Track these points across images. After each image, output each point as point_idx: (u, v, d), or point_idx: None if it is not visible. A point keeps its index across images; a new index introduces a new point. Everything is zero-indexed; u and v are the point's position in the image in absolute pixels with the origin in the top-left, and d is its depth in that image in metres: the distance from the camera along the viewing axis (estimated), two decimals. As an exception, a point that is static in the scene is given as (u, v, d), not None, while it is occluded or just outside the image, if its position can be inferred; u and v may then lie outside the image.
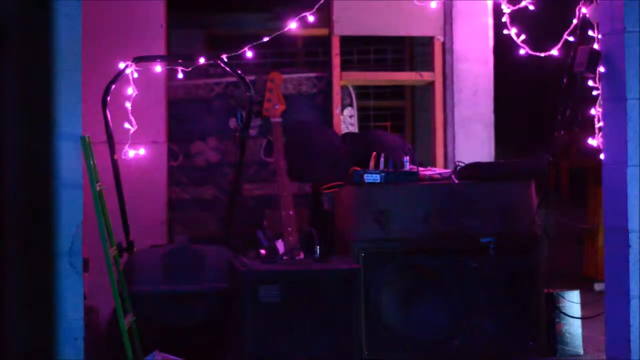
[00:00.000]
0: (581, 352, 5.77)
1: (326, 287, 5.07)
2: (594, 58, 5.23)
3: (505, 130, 8.04)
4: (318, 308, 5.06)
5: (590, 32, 5.41)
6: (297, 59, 9.13)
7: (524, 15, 5.90)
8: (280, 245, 5.66)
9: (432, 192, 5.55)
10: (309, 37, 8.10)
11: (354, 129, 7.92)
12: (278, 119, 6.22)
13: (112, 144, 5.71)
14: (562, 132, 5.68)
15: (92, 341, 5.60)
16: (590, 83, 5.33)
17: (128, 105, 5.72)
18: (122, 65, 5.71)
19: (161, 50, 7.01)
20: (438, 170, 5.95)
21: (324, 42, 7.81)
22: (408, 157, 5.61)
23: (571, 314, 5.74)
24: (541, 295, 5.57)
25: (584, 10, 5.48)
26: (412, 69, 8.94)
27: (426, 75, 7.67)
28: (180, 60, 5.92)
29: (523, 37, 5.88)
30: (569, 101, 5.58)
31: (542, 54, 5.84)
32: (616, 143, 5.12)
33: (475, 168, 5.69)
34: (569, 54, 5.48)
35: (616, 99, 5.11)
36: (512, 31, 5.91)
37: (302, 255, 5.42)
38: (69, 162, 4.57)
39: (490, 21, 7.43)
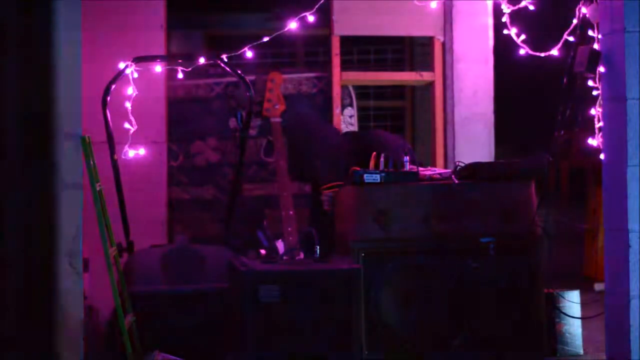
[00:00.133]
0: (581, 352, 5.77)
1: (326, 287, 5.07)
2: (594, 58, 5.23)
3: (505, 130, 8.04)
4: (318, 308, 5.05)
5: (590, 32, 5.41)
6: (297, 59, 9.13)
7: (524, 15, 5.90)
8: (280, 245, 5.66)
9: (432, 192, 5.55)
10: (309, 37, 8.10)
11: (354, 129, 7.92)
12: (278, 119, 6.22)
13: (112, 144, 5.71)
14: (562, 132, 5.68)
15: (92, 341, 5.60)
16: (590, 83, 5.33)
17: (128, 105, 5.72)
18: (122, 65, 5.71)
19: (161, 50, 7.01)
20: (438, 170, 5.94)
21: (324, 42, 7.81)
22: (408, 157, 5.61)
23: (571, 314, 5.74)
24: (541, 295, 5.57)
25: (584, 10, 5.48)
26: (412, 69, 8.94)
27: (426, 75, 7.67)
28: (180, 60, 5.91)
29: (523, 37, 5.87)
30: (569, 101, 5.58)
31: (542, 54, 5.84)
32: (616, 143, 5.12)
33: (475, 168, 5.69)
34: (569, 54, 5.48)
35: (616, 99, 5.11)
36: (512, 31, 5.91)
37: (302, 255, 5.42)
38: (69, 162, 4.57)
39: (490, 21, 7.43)
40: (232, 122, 7.21)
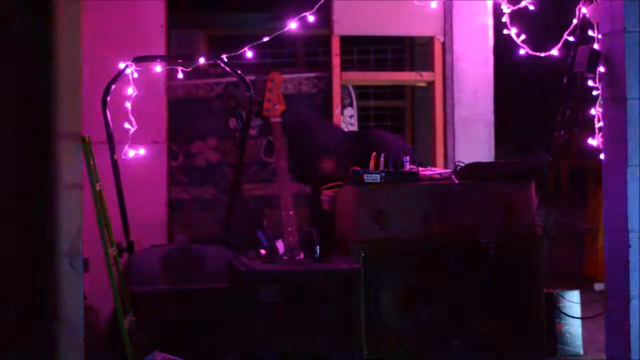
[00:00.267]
0: (581, 352, 5.77)
1: (326, 287, 5.07)
2: (594, 58, 5.23)
3: (505, 130, 8.04)
4: (318, 308, 5.06)
5: (590, 32, 5.41)
6: (297, 59, 9.13)
7: (524, 15, 5.90)
8: (280, 245, 5.66)
9: (432, 192, 5.55)
10: (309, 37, 8.10)
11: (354, 129, 7.93)
12: (278, 119, 6.22)
13: (112, 144, 5.71)
14: (562, 132, 5.68)
15: (92, 341, 5.61)
16: (590, 83, 5.33)
17: (128, 105, 5.72)
18: (122, 65, 5.71)
19: (161, 50, 7.01)
20: (438, 170, 5.95)
21: (324, 42, 7.81)
22: (408, 157, 5.61)
23: (571, 314, 5.74)
24: (541, 295, 5.57)
25: (584, 10, 5.48)
26: (412, 69, 8.94)
27: (426, 75, 7.67)
28: (180, 60, 5.92)
29: (523, 37, 5.88)
30: (569, 101, 5.58)
31: (542, 54, 5.84)
32: (616, 143, 5.12)
33: (475, 168, 5.69)
34: (569, 54, 5.48)
35: (616, 99, 5.12)
36: (512, 31, 5.92)
37: (302, 255, 5.42)
38: (69, 162, 4.57)
39: (490, 21, 7.43)
40: (232, 122, 7.21)
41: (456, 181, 5.60)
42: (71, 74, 4.56)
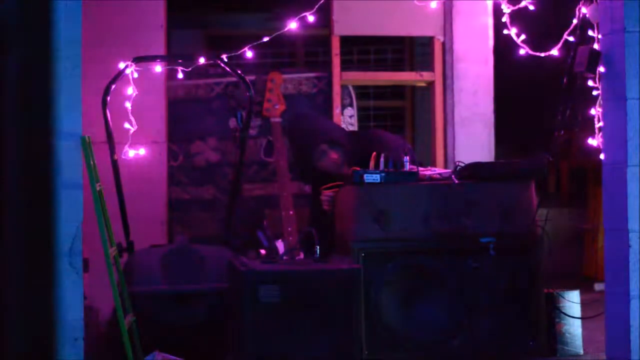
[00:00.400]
0: (581, 352, 5.76)
1: (326, 287, 5.07)
2: (594, 58, 5.23)
3: (505, 130, 8.05)
4: (318, 308, 5.05)
5: (590, 32, 5.41)
6: (297, 59, 9.14)
7: (524, 15, 5.90)
8: (280, 245, 5.66)
9: (432, 192, 5.55)
10: (309, 37, 8.10)
11: (354, 129, 7.93)
12: (278, 119, 6.22)
13: (112, 144, 5.71)
14: (562, 132, 5.68)
15: (92, 341, 5.60)
16: (590, 83, 5.33)
17: (128, 105, 5.72)
18: (122, 65, 5.70)
19: (161, 50, 7.01)
20: (438, 170, 5.94)
21: (324, 42, 7.81)
22: (408, 157, 5.61)
23: (571, 314, 5.74)
24: (541, 295, 5.57)
25: (584, 10, 5.48)
26: (412, 69, 8.94)
27: (426, 75, 7.67)
28: (180, 60, 5.91)
29: (523, 37, 5.87)
30: (569, 101, 5.58)
31: (542, 54, 5.83)
32: (616, 143, 5.12)
33: (475, 168, 5.69)
34: (569, 54, 5.48)
35: (616, 99, 5.11)
36: (512, 31, 5.91)
37: (302, 255, 5.42)
38: (69, 162, 4.57)
39: (490, 21, 7.43)
40: (232, 122, 7.21)
41: (456, 181, 5.60)
42: (71, 73, 4.56)
